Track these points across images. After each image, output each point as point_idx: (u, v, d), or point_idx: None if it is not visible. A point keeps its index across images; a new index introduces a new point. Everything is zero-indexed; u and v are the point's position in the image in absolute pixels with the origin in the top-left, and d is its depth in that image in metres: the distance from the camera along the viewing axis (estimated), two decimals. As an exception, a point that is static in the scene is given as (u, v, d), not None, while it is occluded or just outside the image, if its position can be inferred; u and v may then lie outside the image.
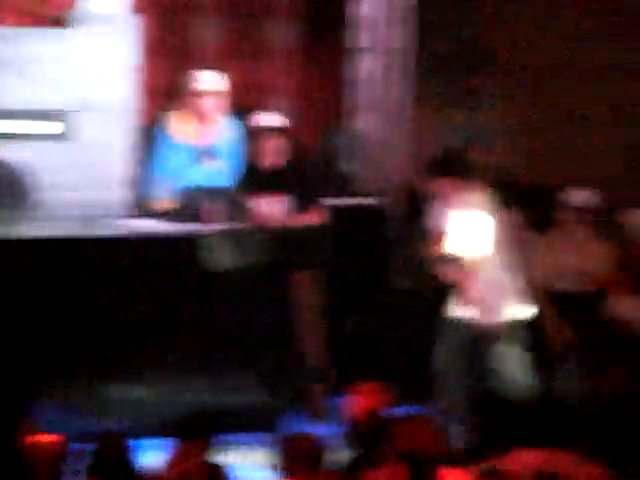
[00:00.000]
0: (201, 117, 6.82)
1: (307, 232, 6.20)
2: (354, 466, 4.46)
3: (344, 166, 7.59)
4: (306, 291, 6.45)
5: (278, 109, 7.85)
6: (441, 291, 7.11)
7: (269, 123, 6.58)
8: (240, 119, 7.09)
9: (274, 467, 4.36)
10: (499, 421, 4.71)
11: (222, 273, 5.90)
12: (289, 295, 6.42)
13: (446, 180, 6.21)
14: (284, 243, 6.23)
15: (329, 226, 6.51)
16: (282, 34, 8.15)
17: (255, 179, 6.59)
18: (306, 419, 6.49)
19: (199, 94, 6.74)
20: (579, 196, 6.81)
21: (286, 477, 4.25)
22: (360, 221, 7.21)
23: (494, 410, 4.77)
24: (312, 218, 6.47)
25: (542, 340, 6.72)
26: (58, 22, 7.40)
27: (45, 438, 4.27)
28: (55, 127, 7.27)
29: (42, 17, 7.44)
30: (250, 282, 6.08)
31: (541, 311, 6.76)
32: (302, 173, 6.58)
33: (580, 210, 6.77)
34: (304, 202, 6.44)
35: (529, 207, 7.07)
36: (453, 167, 6.30)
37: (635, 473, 4.12)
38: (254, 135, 6.55)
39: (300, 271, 6.32)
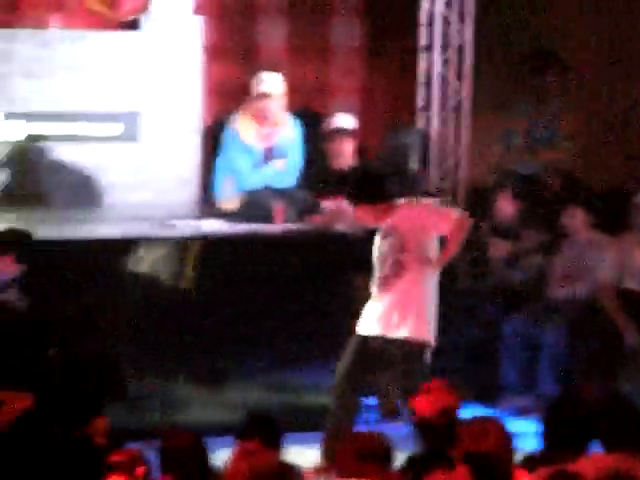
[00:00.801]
0: (265, 118, 6.83)
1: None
2: (421, 466, 4.43)
3: (412, 166, 7.57)
4: None
5: (343, 109, 7.86)
6: (505, 292, 7.09)
7: (345, 125, 6.57)
8: (304, 120, 7.10)
9: (337, 467, 4.34)
10: (571, 423, 4.65)
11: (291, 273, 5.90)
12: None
13: None
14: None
15: None
16: (347, 33, 8.14)
17: (329, 180, 6.59)
18: (378, 418, 6.49)
19: (262, 96, 6.76)
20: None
21: (353, 477, 4.23)
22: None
23: (566, 412, 4.71)
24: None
25: (610, 338, 6.66)
26: (126, 25, 7.47)
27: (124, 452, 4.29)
28: (121, 129, 7.34)
29: (112, 20, 7.50)
30: (321, 283, 6.06)
31: (609, 310, 6.71)
32: (374, 174, 6.58)
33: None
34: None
35: (598, 208, 7.00)
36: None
37: None
38: (330, 136, 6.54)
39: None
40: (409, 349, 5.70)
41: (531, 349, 6.88)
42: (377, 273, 5.76)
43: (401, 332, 5.71)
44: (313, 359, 6.39)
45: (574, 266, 7.01)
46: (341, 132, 6.52)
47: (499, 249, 7.00)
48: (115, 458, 4.04)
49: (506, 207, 7.07)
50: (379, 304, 5.75)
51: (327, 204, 6.62)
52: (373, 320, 5.76)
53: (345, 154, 6.53)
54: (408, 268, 5.69)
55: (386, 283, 5.73)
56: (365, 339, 5.75)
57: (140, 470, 4.14)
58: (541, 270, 7.09)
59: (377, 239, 5.78)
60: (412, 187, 6.92)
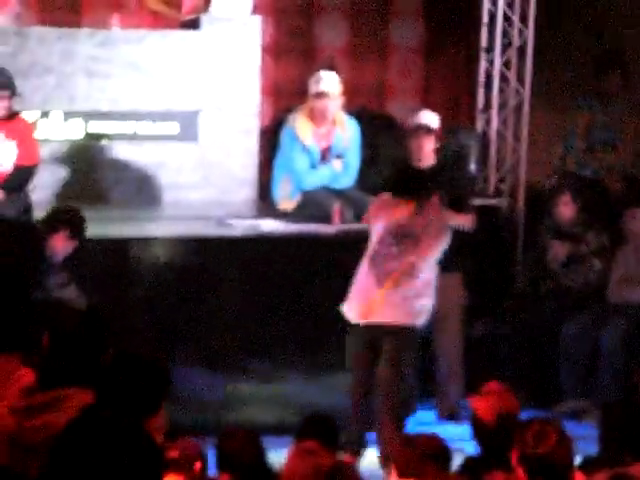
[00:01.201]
0: (322, 118, 6.83)
1: (459, 234, 6.19)
2: (479, 468, 4.41)
3: (472, 166, 7.52)
4: (454, 293, 6.45)
5: (401, 110, 7.84)
6: (565, 295, 7.02)
7: (429, 122, 6.53)
8: (361, 121, 7.08)
9: (395, 467, 4.32)
10: (629, 427, 4.59)
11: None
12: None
13: None
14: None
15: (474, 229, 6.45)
16: (406, 34, 8.11)
17: (411, 179, 6.55)
18: (438, 418, 6.46)
19: (320, 95, 6.75)
20: None
21: (408, 477, 4.20)
22: (488, 223, 7.14)
23: (624, 415, 4.66)
24: (466, 220, 6.44)
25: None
26: (187, 25, 7.50)
27: (183, 443, 4.30)
28: (179, 128, 7.36)
29: (172, 20, 7.54)
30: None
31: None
32: (456, 174, 6.59)
33: None
34: (457, 203, 6.42)
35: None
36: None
37: None
38: (412, 133, 6.50)
39: (451, 273, 6.30)
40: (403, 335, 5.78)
41: (590, 352, 6.81)
42: (379, 260, 5.78)
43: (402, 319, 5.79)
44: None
45: (635, 269, 6.93)
46: (424, 129, 6.45)
47: (559, 251, 6.93)
48: (172, 454, 4.07)
49: (566, 209, 7.01)
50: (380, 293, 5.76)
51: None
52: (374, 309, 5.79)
53: (426, 152, 6.47)
54: (418, 272, 5.81)
55: (392, 278, 5.76)
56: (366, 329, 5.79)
57: (197, 465, 4.15)
58: (601, 273, 7.01)
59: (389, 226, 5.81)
60: (471, 188, 6.87)
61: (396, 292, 5.87)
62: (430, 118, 6.63)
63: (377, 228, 5.96)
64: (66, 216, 6.17)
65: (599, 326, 6.81)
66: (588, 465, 4.58)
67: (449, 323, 6.47)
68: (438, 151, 6.54)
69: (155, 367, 3.66)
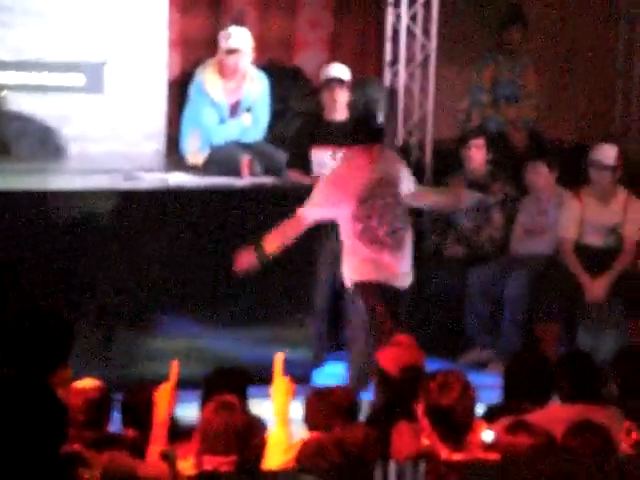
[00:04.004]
0: (232, 74, 6.80)
1: None
2: (383, 418, 4.49)
3: (380, 120, 7.57)
4: None
5: (310, 63, 7.83)
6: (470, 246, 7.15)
7: (340, 75, 6.52)
8: (270, 74, 7.07)
9: (305, 420, 4.39)
10: (531, 376, 4.72)
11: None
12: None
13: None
14: None
15: None
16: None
17: (321, 131, 6.55)
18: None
19: (231, 52, 6.72)
20: (607, 153, 6.79)
21: (318, 430, 4.28)
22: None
23: (526, 365, 4.78)
24: None
25: (570, 293, 6.74)
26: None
27: (85, 383, 4.32)
28: (84, 79, 7.27)
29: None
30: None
31: (569, 265, 6.78)
32: (369, 127, 6.59)
33: (608, 167, 6.75)
34: None
35: (560, 164, 7.05)
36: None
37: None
38: (324, 86, 6.48)
39: None
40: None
41: (494, 304, 6.95)
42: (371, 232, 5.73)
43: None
44: (283, 313, 6.42)
45: (537, 221, 7.08)
46: (337, 81, 6.46)
47: (466, 199, 7.03)
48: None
49: (477, 153, 7.09)
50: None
51: (324, 156, 6.58)
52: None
53: (340, 104, 6.48)
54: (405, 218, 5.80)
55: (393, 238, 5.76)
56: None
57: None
58: (503, 226, 7.14)
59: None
60: (380, 141, 6.93)
61: (402, 253, 5.78)
62: (341, 70, 6.65)
63: (341, 212, 5.73)
64: None
65: (502, 277, 6.95)
66: (491, 414, 4.70)
67: None
68: (349, 105, 6.57)
69: (58, 322, 3.65)
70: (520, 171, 7.18)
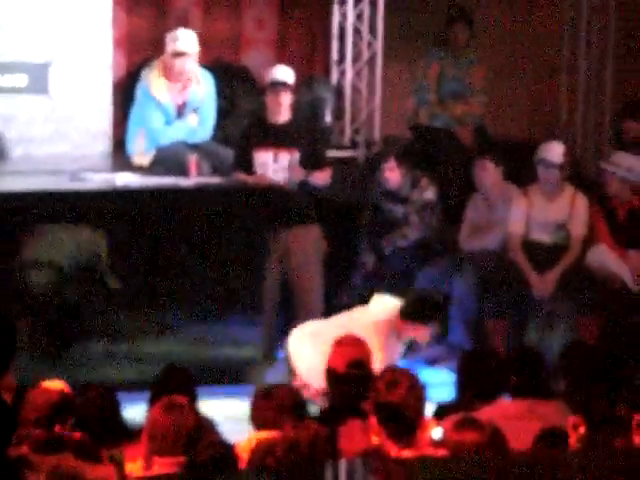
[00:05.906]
0: (178, 75, 6.77)
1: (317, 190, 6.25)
2: (332, 417, 4.48)
3: (327, 119, 7.57)
4: (314, 244, 6.51)
5: (256, 61, 7.82)
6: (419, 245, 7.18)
7: (285, 77, 6.53)
8: (216, 73, 7.04)
9: (251, 419, 4.37)
10: (482, 374, 4.73)
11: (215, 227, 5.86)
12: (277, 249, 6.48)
13: None
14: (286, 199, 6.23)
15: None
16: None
17: (264, 133, 6.55)
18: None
19: (177, 55, 6.70)
20: (555, 151, 6.83)
21: (265, 429, 4.26)
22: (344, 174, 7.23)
23: (477, 363, 4.80)
24: (323, 176, 6.53)
25: (519, 290, 6.77)
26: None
27: (50, 384, 4.27)
28: (28, 80, 7.19)
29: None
30: (239, 236, 6.05)
31: (517, 262, 6.81)
32: (312, 129, 6.61)
33: (556, 165, 6.79)
34: (313, 158, 6.46)
35: (507, 161, 7.08)
36: None
37: (611, 420, 4.16)
38: (270, 89, 6.49)
39: (312, 225, 6.40)
40: None
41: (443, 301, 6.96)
42: None
43: None
44: (230, 313, 6.40)
45: (484, 218, 7.10)
46: (281, 85, 6.47)
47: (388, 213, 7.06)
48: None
49: (392, 175, 7.02)
50: None
51: (266, 158, 6.61)
52: None
53: (283, 107, 6.49)
54: None
55: None
56: None
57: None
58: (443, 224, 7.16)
59: None
60: (326, 140, 6.94)
61: None
62: (286, 73, 6.64)
63: None
64: None
65: (451, 275, 6.97)
66: (441, 411, 4.71)
67: (310, 272, 6.53)
68: (293, 105, 6.57)
69: (1, 327, 3.60)
70: (467, 168, 7.21)
